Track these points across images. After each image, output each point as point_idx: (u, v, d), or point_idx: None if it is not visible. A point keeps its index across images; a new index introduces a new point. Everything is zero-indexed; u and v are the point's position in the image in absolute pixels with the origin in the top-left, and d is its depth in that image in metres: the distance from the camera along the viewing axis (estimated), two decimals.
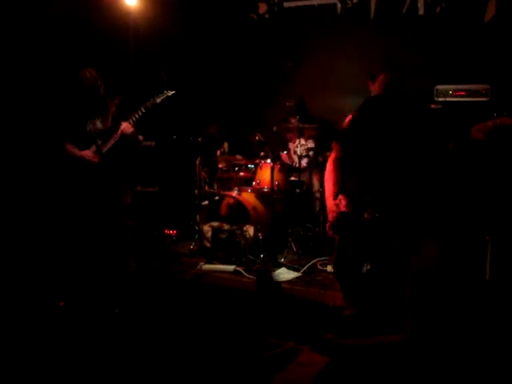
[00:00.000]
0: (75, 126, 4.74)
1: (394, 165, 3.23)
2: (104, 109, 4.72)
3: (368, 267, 3.91)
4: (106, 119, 4.71)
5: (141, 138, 4.89)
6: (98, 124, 4.72)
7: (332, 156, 3.69)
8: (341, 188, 3.37)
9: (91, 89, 4.62)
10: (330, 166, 3.64)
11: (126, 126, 4.60)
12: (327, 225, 3.41)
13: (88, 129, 4.71)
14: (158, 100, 4.66)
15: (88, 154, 4.68)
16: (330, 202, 3.43)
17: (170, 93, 4.70)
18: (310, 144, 6.12)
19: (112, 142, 4.66)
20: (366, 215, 3.23)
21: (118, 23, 6.42)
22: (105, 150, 4.65)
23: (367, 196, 3.24)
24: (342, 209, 3.29)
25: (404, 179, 3.22)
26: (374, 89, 3.58)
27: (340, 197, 3.33)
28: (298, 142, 5.75)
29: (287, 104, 6.17)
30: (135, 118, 4.62)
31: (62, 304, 4.21)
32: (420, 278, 3.08)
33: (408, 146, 3.23)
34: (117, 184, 4.73)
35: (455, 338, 3.11)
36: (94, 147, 4.63)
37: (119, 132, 4.60)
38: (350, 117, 3.63)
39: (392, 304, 3.35)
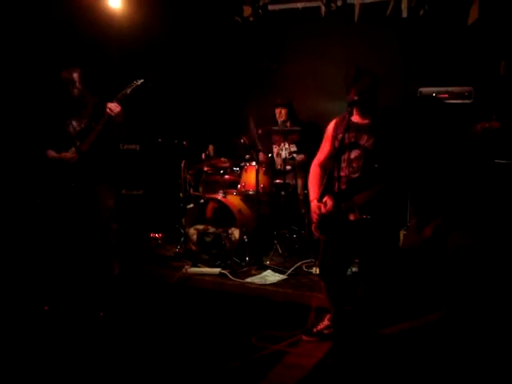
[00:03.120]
0: (54, 128, 4.70)
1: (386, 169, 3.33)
2: (82, 109, 4.68)
3: (353, 270, 3.99)
4: (84, 120, 4.66)
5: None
6: (76, 124, 4.67)
7: (316, 160, 3.75)
8: (325, 190, 3.40)
9: (68, 89, 4.57)
10: (314, 169, 3.71)
11: (113, 106, 4.47)
12: (312, 226, 3.46)
13: (67, 130, 4.66)
14: (129, 90, 4.57)
15: (67, 155, 4.62)
16: (314, 204, 3.48)
17: (139, 81, 4.60)
18: (293, 148, 6.13)
19: (93, 136, 4.56)
20: (351, 216, 3.33)
21: (102, 25, 6.37)
22: (86, 148, 4.58)
23: (357, 198, 3.32)
24: (328, 209, 3.36)
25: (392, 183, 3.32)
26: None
27: (325, 198, 3.39)
28: (282, 145, 5.77)
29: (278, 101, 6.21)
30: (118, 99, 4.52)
31: (46, 308, 4.17)
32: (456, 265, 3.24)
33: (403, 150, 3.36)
34: (99, 186, 4.68)
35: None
36: (73, 148, 4.59)
37: (105, 115, 4.47)
38: (334, 121, 3.67)
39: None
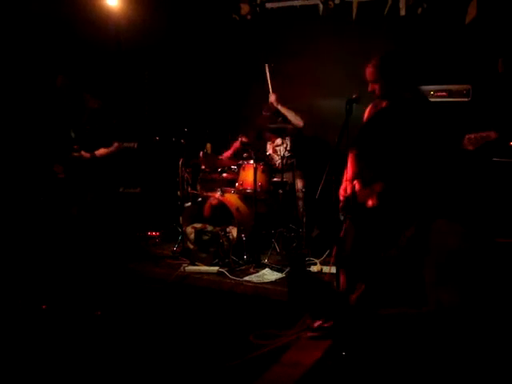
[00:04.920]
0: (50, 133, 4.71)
1: (400, 161, 3.46)
2: (78, 114, 4.67)
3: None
4: (81, 124, 4.66)
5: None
6: (72, 132, 4.67)
7: (352, 153, 3.88)
8: (357, 175, 3.69)
9: (64, 96, 4.57)
10: (350, 159, 3.88)
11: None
12: (339, 205, 3.74)
13: (64, 135, 4.66)
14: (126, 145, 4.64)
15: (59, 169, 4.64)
16: (342, 186, 3.76)
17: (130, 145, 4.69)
18: (287, 144, 6.11)
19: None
20: (369, 202, 3.53)
21: (99, 23, 6.36)
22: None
23: (376, 185, 3.50)
24: (348, 193, 3.64)
25: (407, 174, 3.45)
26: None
27: (355, 182, 3.64)
28: (277, 141, 5.78)
29: (264, 113, 6.19)
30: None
31: (44, 307, 4.16)
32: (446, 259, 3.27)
33: (411, 146, 3.45)
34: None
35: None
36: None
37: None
38: (369, 106, 3.91)
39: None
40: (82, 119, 4.67)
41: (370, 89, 3.69)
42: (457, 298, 3.46)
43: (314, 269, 5.08)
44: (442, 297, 3.48)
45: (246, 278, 4.88)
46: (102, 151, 4.72)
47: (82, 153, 4.59)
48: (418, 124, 3.45)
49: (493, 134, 3.32)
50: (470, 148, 3.38)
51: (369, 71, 3.66)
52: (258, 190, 5.48)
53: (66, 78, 4.61)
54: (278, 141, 6.12)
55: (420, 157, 3.38)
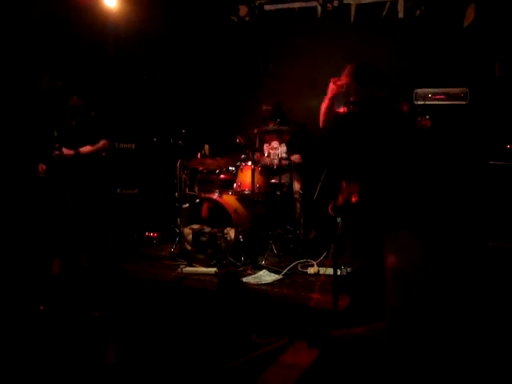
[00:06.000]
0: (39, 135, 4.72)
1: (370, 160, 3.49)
2: (60, 113, 4.66)
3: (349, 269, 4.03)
4: (64, 123, 4.66)
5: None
6: (54, 131, 4.67)
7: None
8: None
9: (47, 95, 4.57)
10: None
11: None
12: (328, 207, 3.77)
13: (51, 135, 4.66)
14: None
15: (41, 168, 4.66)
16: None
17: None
18: (283, 147, 6.13)
19: None
20: (353, 199, 3.60)
21: (98, 24, 6.36)
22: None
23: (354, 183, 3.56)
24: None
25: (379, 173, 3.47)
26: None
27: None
28: (273, 143, 5.80)
29: (264, 108, 6.17)
30: None
31: (41, 308, 4.16)
32: (404, 276, 3.20)
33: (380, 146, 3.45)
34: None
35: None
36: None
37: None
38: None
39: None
40: (65, 118, 4.66)
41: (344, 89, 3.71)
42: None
43: (311, 271, 5.09)
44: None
45: (244, 280, 4.89)
46: (86, 148, 4.72)
47: (64, 150, 4.57)
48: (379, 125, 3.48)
49: (427, 122, 3.41)
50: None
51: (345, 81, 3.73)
52: (256, 191, 5.48)
53: (50, 78, 4.61)
54: (274, 144, 6.14)
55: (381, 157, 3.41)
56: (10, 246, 5.06)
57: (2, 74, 5.56)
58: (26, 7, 5.69)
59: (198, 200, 5.89)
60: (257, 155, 5.98)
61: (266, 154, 6.23)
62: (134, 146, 6.65)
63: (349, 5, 6.30)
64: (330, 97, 3.78)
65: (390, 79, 3.86)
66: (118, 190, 6.43)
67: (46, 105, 4.67)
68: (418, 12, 5.93)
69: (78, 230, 4.74)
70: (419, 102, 5.09)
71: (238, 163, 5.79)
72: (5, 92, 5.55)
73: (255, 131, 6.03)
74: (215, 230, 5.42)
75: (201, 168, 6.18)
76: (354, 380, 3.11)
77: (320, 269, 5.05)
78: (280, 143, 6.13)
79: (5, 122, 5.46)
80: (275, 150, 6.04)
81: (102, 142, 4.84)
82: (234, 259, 5.36)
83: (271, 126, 5.96)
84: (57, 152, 4.54)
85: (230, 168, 5.98)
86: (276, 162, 5.89)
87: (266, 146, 6.34)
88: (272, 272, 5.09)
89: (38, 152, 4.74)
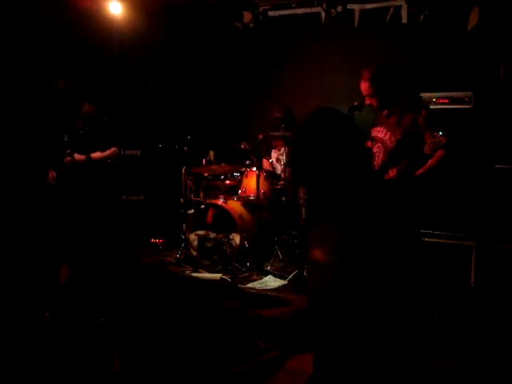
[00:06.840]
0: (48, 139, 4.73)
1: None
2: (72, 119, 4.67)
3: None
4: (75, 129, 4.66)
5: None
6: (65, 137, 4.68)
7: None
8: None
9: (60, 100, 4.57)
10: None
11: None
12: None
13: (60, 140, 4.67)
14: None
15: (51, 175, 4.67)
16: None
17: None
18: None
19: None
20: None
21: (103, 31, 6.40)
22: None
23: None
24: None
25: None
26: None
27: None
28: (282, 150, 5.79)
29: (275, 115, 6.18)
30: None
31: (47, 314, 4.17)
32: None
33: None
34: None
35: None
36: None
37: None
38: None
39: None
40: (77, 124, 4.67)
41: (367, 102, 3.67)
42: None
43: None
44: None
45: (249, 285, 4.89)
46: (97, 154, 4.73)
47: (75, 156, 4.57)
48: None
49: (443, 139, 3.37)
50: (429, 152, 3.44)
51: (364, 86, 3.66)
52: (261, 197, 5.49)
53: (68, 81, 4.62)
54: (282, 149, 6.12)
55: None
56: (17, 252, 5.08)
57: (13, 79, 5.60)
58: (33, 13, 5.72)
59: (203, 206, 5.89)
60: (268, 163, 6.00)
61: (273, 160, 6.24)
62: (139, 153, 6.67)
63: (352, 10, 6.31)
64: None
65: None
66: (124, 197, 6.45)
67: (57, 110, 4.67)
68: (421, 17, 5.94)
69: (88, 237, 4.74)
70: None
71: (243, 169, 5.79)
72: (15, 97, 5.59)
73: (260, 137, 6.04)
74: (220, 235, 5.42)
75: (206, 174, 6.19)
76: None
77: None
78: (287, 148, 6.12)
79: (14, 127, 5.49)
80: (283, 156, 6.02)
81: (112, 149, 4.85)
82: (240, 265, 5.36)
83: (280, 132, 5.97)
84: (68, 158, 4.55)
85: (235, 174, 5.99)
86: (282, 167, 5.90)
87: (273, 152, 6.36)
88: (278, 277, 5.09)
89: (48, 158, 4.74)
